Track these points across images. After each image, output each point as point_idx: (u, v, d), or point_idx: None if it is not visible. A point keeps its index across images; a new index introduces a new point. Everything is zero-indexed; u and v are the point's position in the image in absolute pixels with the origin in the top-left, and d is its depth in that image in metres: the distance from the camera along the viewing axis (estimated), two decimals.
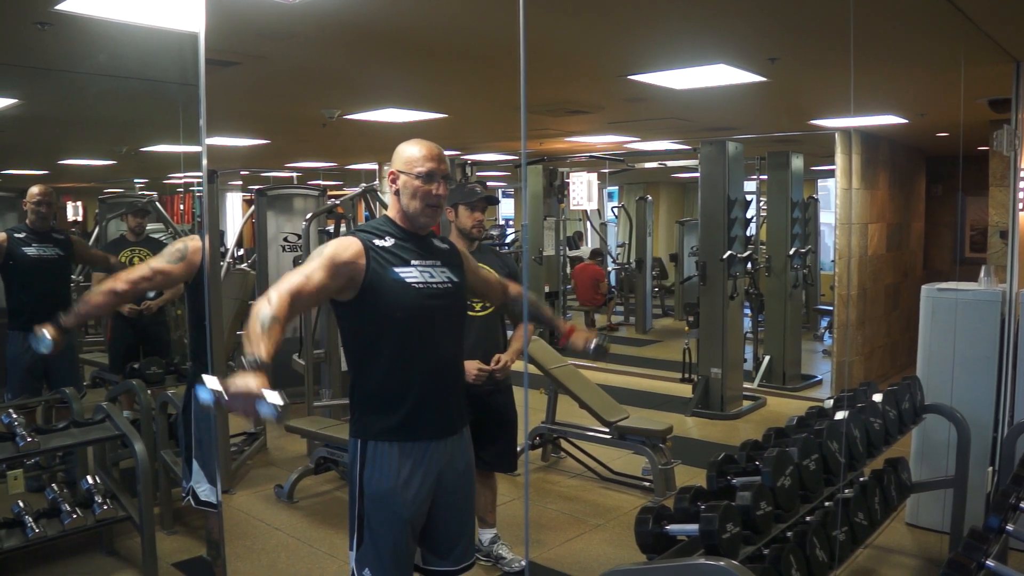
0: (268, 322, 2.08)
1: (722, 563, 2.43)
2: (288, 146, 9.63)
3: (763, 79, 5.00)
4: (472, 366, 3.67)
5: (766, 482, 2.84)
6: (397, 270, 2.41)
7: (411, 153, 2.48)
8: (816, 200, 11.16)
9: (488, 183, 13.92)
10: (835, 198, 8.00)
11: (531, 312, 3.00)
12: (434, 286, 2.46)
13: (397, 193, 2.50)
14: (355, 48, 4.34)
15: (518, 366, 5.71)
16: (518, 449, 4.20)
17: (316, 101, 6.10)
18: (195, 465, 3.76)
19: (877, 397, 3.84)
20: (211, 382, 1.96)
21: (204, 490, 3.74)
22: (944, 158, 10.15)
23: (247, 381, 1.89)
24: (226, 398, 1.89)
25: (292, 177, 12.74)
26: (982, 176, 7.10)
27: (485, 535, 4.24)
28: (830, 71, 4.81)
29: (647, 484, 5.38)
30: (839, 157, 7.74)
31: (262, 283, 7.56)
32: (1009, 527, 2.42)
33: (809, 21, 3.78)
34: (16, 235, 4.94)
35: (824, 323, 11.08)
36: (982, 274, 4.68)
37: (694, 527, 2.61)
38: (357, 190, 6.65)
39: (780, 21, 3.89)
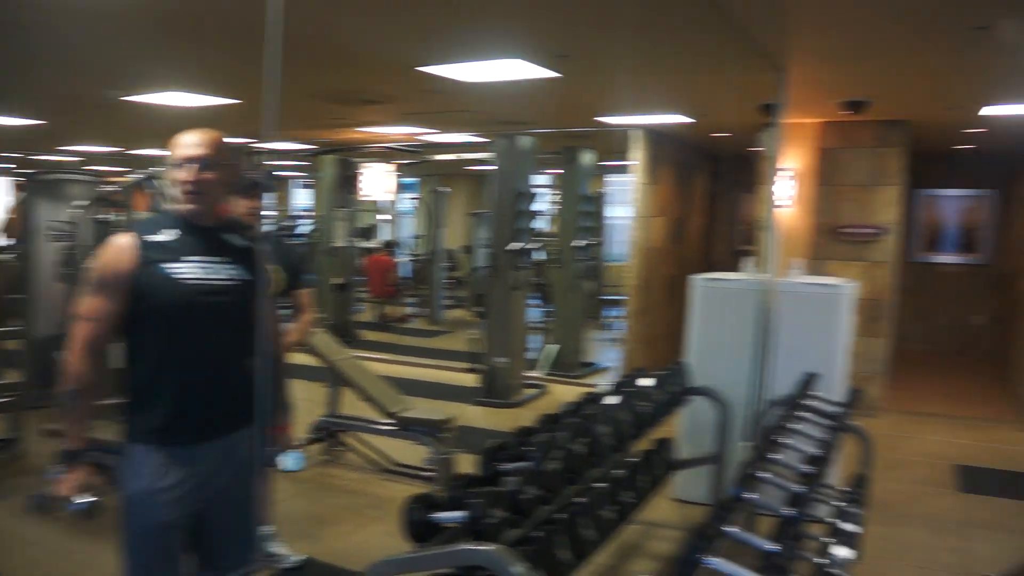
0: (77, 399, 2.25)
1: (486, 547, 2.45)
2: (64, 128, 8.97)
3: (555, 75, 5.10)
4: None
5: (534, 466, 2.88)
6: (166, 265, 2.30)
7: (175, 141, 2.38)
8: (604, 194, 11.56)
9: (277, 172, 13.55)
10: (633, 193, 8.29)
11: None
12: (211, 282, 2.35)
13: None
14: (131, 24, 4.06)
15: (302, 358, 5.61)
16: (298, 443, 4.09)
17: (93, 79, 5.69)
18: None
19: (646, 382, 4.00)
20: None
21: None
22: (724, 157, 10.76)
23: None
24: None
25: (69, 162, 11.88)
26: (755, 175, 7.59)
27: (261, 532, 4.09)
28: (618, 70, 4.97)
29: (429, 474, 5.38)
30: (634, 153, 8.03)
31: (29, 276, 6.99)
32: (751, 496, 2.55)
33: (596, 20, 3.88)
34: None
35: (611, 313, 11.49)
36: (745, 265, 4.99)
37: (461, 514, 2.61)
38: (138, 176, 6.24)
39: (569, 18, 3.97)
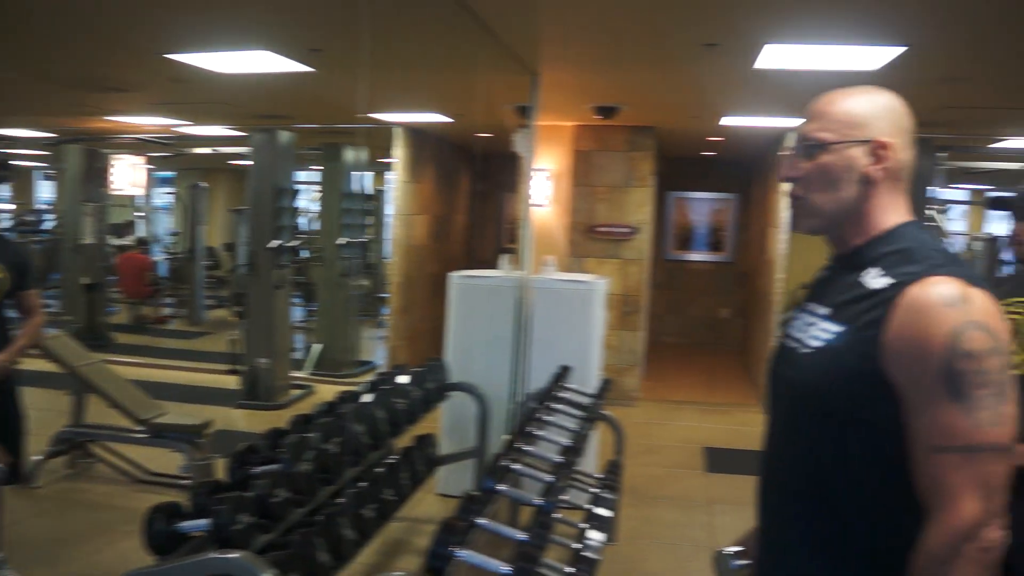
0: None
1: (232, 555, 2.36)
2: None
3: (309, 69, 4.99)
4: None
5: (284, 468, 2.81)
6: None
7: None
8: (383, 192, 11.53)
9: (12, 162, 12.48)
10: (394, 191, 8.27)
11: None
12: None
13: None
14: None
15: (40, 365, 5.20)
16: (36, 458, 3.76)
17: None
18: None
19: (403, 379, 4.00)
20: None
21: None
22: (487, 157, 10.97)
23: None
24: None
25: None
26: (517, 175, 7.79)
27: None
28: (372, 67, 4.94)
29: (186, 482, 5.13)
30: (395, 151, 8.02)
31: None
32: (503, 487, 2.61)
33: (345, 16, 3.83)
34: None
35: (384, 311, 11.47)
36: (502, 262, 5.12)
37: (206, 521, 2.51)
38: None
39: (319, 13, 3.90)
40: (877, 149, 1.47)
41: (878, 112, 1.48)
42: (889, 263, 1.42)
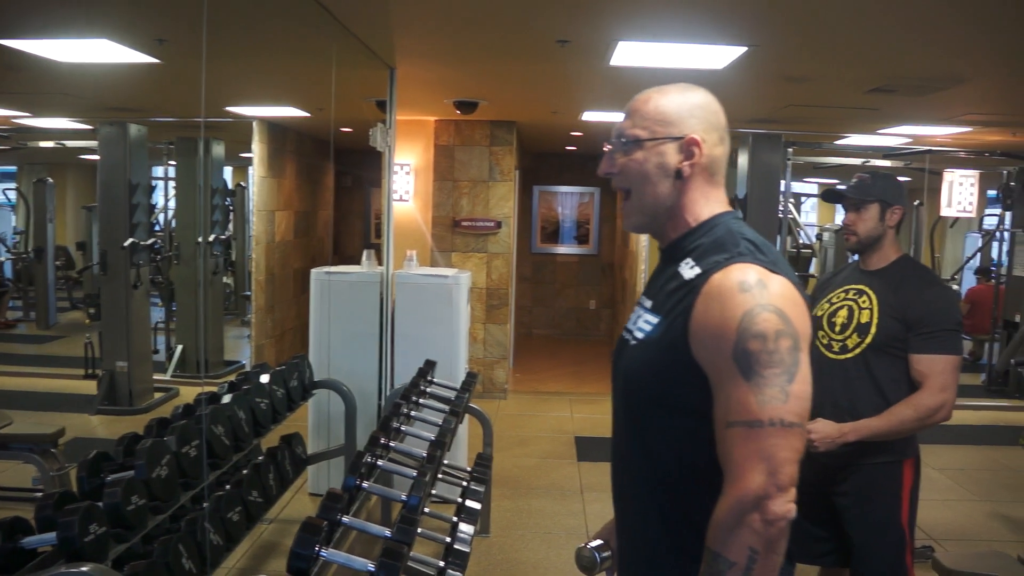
0: None
1: (84, 568, 2.28)
2: None
3: (156, 60, 4.82)
4: None
5: (139, 475, 2.73)
6: None
7: None
8: (245, 188, 11.21)
9: None
10: (253, 186, 8.08)
11: None
12: None
13: None
14: None
15: None
16: None
17: None
18: None
19: (264, 378, 3.94)
20: None
21: None
22: (351, 152, 10.85)
23: None
24: None
25: None
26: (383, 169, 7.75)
27: None
28: (221, 59, 4.81)
29: (39, 495, 4.89)
30: (255, 146, 7.83)
31: None
32: (365, 484, 2.61)
33: (188, 6, 3.71)
34: None
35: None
36: (364, 258, 5.09)
37: (53, 535, 2.41)
38: None
39: (163, 1, 3.77)
40: (689, 145, 1.53)
41: (690, 110, 1.55)
42: (700, 253, 1.50)
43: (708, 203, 1.57)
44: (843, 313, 2.83)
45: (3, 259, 12.38)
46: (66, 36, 4.37)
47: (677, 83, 1.58)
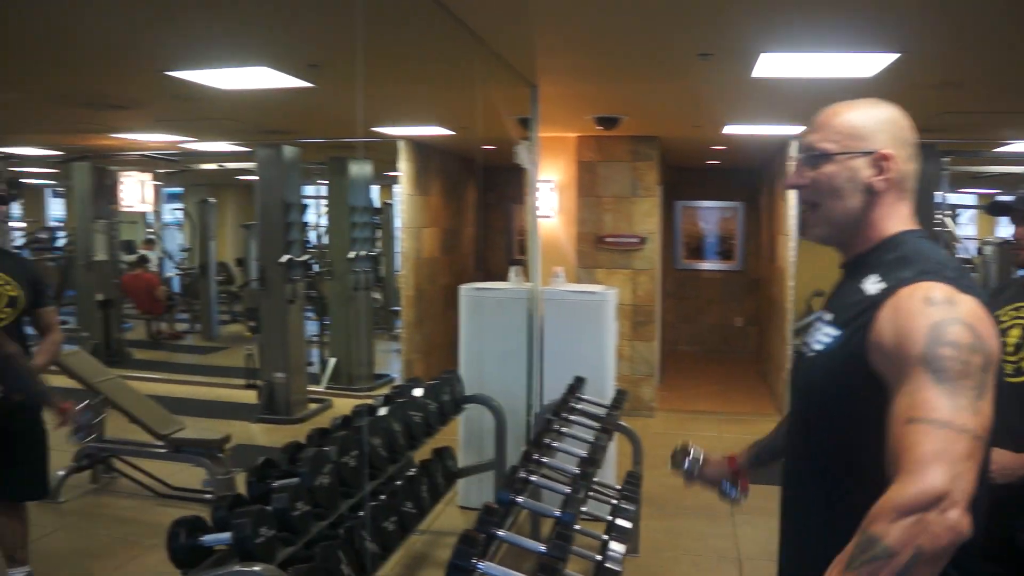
0: None
1: (256, 568, 2.40)
2: None
3: (309, 84, 5.04)
4: None
5: (304, 482, 2.85)
6: None
7: None
8: (391, 205, 11.57)
9: (22, 180, 12.55)
10: (401, 204, 8.31)
11: None
12: None
13: None
14: None
15: (60, 381, 5.26)
16: (60, 473, 3.81)
17: None
18: None
19: (418, 392, 4.04)
20: None
21: None
22: (493, 168, 11.02)
23: None
24: None
25: None
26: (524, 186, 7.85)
27: (16, 574, 3.80)
28: (371, 82, 4.98)
29: (208, 496, 5.17)
30: (402, 164, 8.07)
31: None
32: (520, 499, 2.64)
33: (340, 31, 3.88)
34: None
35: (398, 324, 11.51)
36: (511, 274, 5.15)
37: (228, 535, 2.55)
38: None
39: (315, 29, 3.95)
40: (880, 160, 1.52)
41: (880, 124, 1.54)
42: (885, 269, 1.47)
43: (895, 219, 1.55)
44: (1016, 332, 2.68)
45: (172, 274, 13.14)
46: (229, 66, 4.64)
47: (865, 98, 1.57)
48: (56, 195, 15.60)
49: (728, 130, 6.96)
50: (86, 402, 2.66)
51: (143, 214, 12.82)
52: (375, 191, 11.16)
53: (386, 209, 11.79)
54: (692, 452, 2.17)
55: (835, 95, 1.63)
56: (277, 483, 2.90)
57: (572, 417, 3.83)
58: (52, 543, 4.61)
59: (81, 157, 9.78)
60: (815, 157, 1.57)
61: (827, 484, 1.55)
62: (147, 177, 9.60)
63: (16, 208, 12.65)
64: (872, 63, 4.22)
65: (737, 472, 2.19)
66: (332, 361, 8.57)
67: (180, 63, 4.63)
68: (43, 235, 13.36)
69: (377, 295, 10.47)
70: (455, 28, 3.66)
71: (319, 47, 4.31)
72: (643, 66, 4.67)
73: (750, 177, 10.72)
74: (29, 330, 3.82)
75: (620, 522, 2.78)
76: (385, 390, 8.43)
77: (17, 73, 5.07)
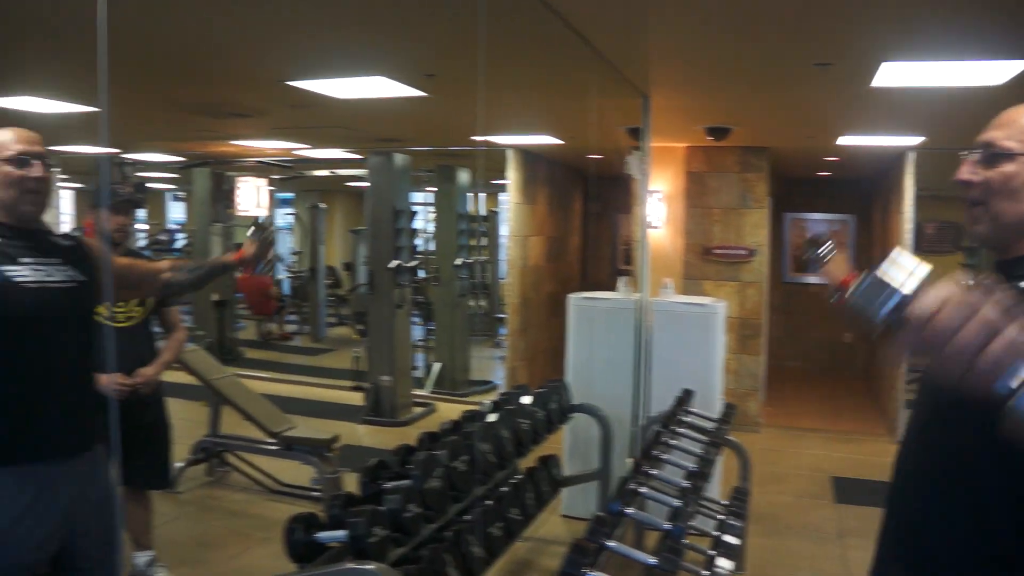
0: None
1: (370, 566, 2.45)
2: None
3: (423, 94, 5.14)
4: (112, 380, 3.44)
5: (415, 485, 2.90)
6: (3, 268, 2.16)
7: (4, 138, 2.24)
8: (496, 213, 11.68)
9: (149, 185, 13.12)
10: (508, 212, 8.38)
11: (193, 277, 2.79)
12: (52, 285, 2.23)
13: None
14: None
15: (181, 377, 5.47)
16: (179, 465, 3.99)
17: None
18: None
19: (526, 399, 4.06)
20: None
21: None
22: (600, 178, 11.00)
23: None
24: None
25: None
26: (631, 196, 7.82)
27: (141, 558, 3.98)
28: (483, 91, 5.04)
29: (316, 494, 5.31)
30: (510, 173, 8.14)
31: None
32: (630, 511, 2.63)
33: (457, 41, 3.94)
34: None
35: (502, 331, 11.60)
36: (620, 284, 5.13)
37: (343, 533, 2.61)
38: None
39: (432, 39, 4.03)
40: None
41: None
42: None
43: None
44: None
45: (282, 277, 13.52)
46: (347, 75, 4.76)
47: None
48: (176, 199, 16.21)
49: (842, 141, 6.79)
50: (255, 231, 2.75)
51: (257, 218, 13.24)
52: (481, 199, 11.27)
53: (492, 217, 11.90)
54: (826, 247, 2.00)
55: (960, 104, 1.57)
56: (390, 484, 2.96)
57: (680, 430, 3.80)
58: (172, 530, 4.80)
59: (202, 163, 10.18)
60: (994, 155, 1.48)
61: (982, 548, 1.36)
62: (262, 182, 9.91)
63: (141, 212, 13.21)
64: (1002, 70, 4.03)
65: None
66: (437, 366, 8.68)
67: (300, 73, 4.78)
68: (164, 237, 13.90)
69: (482, 302, 10.58)
70: (571, 38, 3.68)
71: (436, 57, 4.39)
72: (757, 76, 4.60)
73: (863, 189, 10.42)
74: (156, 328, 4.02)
75: (728, 538, 2.75)
76: (487, 396, 8.57)
77: (145, 84, 5.30)
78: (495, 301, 11.68)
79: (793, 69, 4.34)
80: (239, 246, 12.36)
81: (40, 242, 2.29)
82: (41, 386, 2.21)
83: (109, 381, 3.38)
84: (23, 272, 2.19)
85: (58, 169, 2.35)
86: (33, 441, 2.20)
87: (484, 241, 10.79)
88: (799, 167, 9.29)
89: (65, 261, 2.31)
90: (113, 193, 3.70)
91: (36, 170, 2.23)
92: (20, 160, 2.22)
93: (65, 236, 2.40)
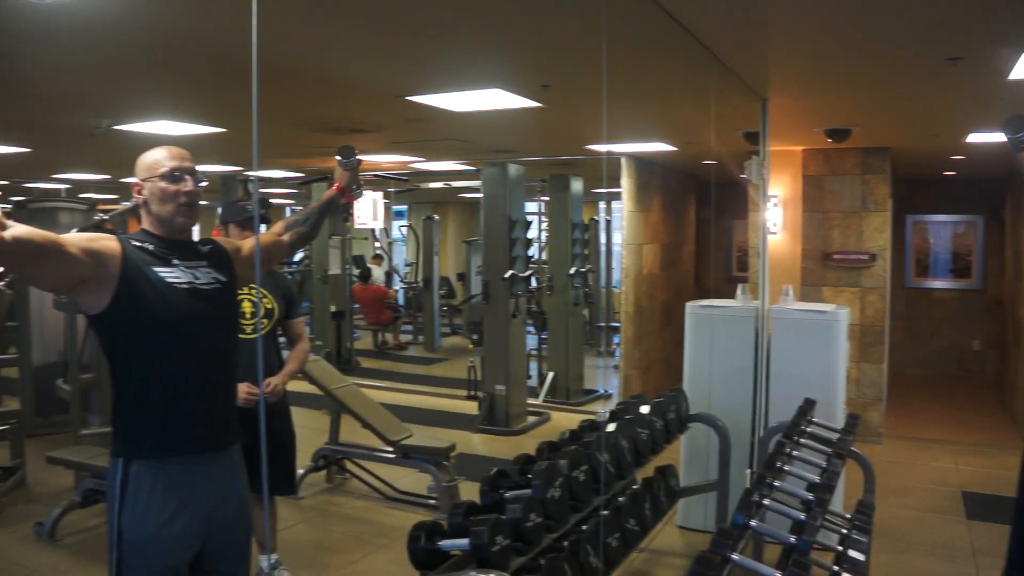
0: None
1: (492, 575, 2.48)
2: (54, 156, 8.98)
3: (538, 104, 5.17)
4: (242, 388, 3.57)
5: (536, 494, 2.92)
6: (158, 269, 2.27)
7: (152, 158, 2.37)
8: (597, 221, 11.65)
9: (272, 200, 13.59)
10: (622, 220, 8.34)
11: (308, 226, 2.87)
12: (200, 287, 2.34)
13: (146, 203, 2.36)
14: (118, 55, 4.12)
15: (302, 387, 5.65)
16: (300, 471, 4.10)
17: (81, 109, 5.74)
18: None
19: (644, 409, 4.03)
20: None
21: None
22: (713, 184, 10.84)
23: None
24: None
25: (60, 190, 11.93)
26: (746, 201, 7.69)
27: (265, 561, 4.12)
28: (599, 99, 5.04)
29: (433, 502, 5.39)
30: (624, 181, 8.11)
31: (22, 303, 7.06)
32: (754, 523, 2.58)
33: (575, 52, 3.96)
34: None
35: (610, 340, 11.55)
36: (739, 292, 5.05)
37: (465, 541, 2.64)
38: (129, 204, 6.32)
39: (550, 50, 4.05)
40: None
41: None
42: None
43: None
44: None
45: (397, 288, 13.79)
46: (464, 89, 4.83)
47: None
48: (293, 213, 16.74)
49: (971, 139, 6.51)
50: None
51: (373, 231, 13.55)
52: (586, 208, 11.26)
53: (593, 225, 11.89)
54: None
55: None
56: (510, 494, 2.99)
57: (802, 440, 3.71)
58: (294, 535, 4.95)
59: (321, 178, 10.48)
60: None
61: None
62: (378, 196, 10.14)
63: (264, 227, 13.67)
64: None
65: None
66: (550, 375, 8.70)
67: (418, 88, 4.87)
68: None
69: (584, 311, 10.56)
70: (689, 43, 3.65)
71: (553, 67, 4.41)
72: (881, 74, 4.45)
73: (992, 189, 9.97)
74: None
75: (853, 553, 2.66)
76: (598, 405, 8.54)
77: (269, 104, 5.51)
78: (597, 310, 11.66)
79: (922, 65, 4.17)
80: (357, 259, 12.72)
81: (188, 248, 2.41)
82: (192, 384, 2.31)
83: (239, 390, 3.52)
84: (175, 273, 2.30)
85: (206, 184, 2.44)
86: (183, 436, 2.30)
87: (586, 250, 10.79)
88: (923, 167, 8.97)
89: (209, 264, 2.42)
90: (240, 209, 3.83)
91: (188, 185, 2.35)
92: (174, 176, 2.33)
93: (203, 242, 2.51)
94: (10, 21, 3.39)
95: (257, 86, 1.70)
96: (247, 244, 2.69)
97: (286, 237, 2.79)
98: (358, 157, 3.00)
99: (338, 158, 2.94)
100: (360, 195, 3.06)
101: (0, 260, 1.97)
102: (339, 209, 3.02)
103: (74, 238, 2.16)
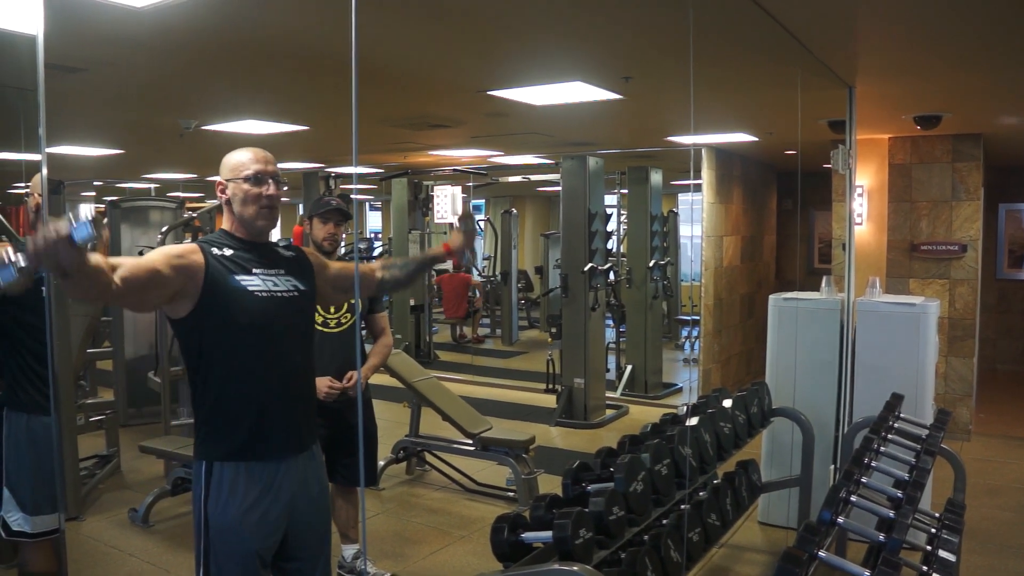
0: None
1: (575, 568, 2.49)
2: (144, 156, 9.29)
3: (619, 96, 5.15)
4: (323, 383, 3.65)
5: (619, 488, 2.91)
6: (238, 277, 2.32)
7: (237, 159, 2.41)
8: (676, 214, 11.54)
9: (352, 196, 13.75)
10: (702, 212, 8.26)
11: (404, 273, 2.87)
12: (278, 294, 2.38)
13: (228, 203, 2.42)
14: (208, 57, 4.25)
15: (383, 380, 5.74)
16: (381, 463, 4.16)
17: (172, 110, 5.93)
18: (5, 493, 3.33)
19: (727, 403, 3.99)
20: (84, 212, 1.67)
21: (16, 519, 3.30)
22: (793, 174, 10.63)
23: (48, 227, 1.61)
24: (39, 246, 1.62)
25: (150, 189, 12.30)
26: (828, 192, 7.53)
27: (348, 551, 4.20)
28: (681, 91, 4.99)
29: (512, 494, 5.42)
30: (704, 172, 8.03)
31: None
32: (841, 520, 2.54)
33: (658, 43, 3.93)
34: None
35: (685, 332, 11.45)
36: (823, 284, 4.95)
37: (548, 534, 2.65)
38: (215, 202, 6.48)
39: (632, 42, 4.02)
40: None
41: None
42: None
43: None
44: None
45: (477, 281, 13.85)
46: (544, 83, 4.83)
47: None
48: (372, 208, 16.95)
49: None
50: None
51: (451, 225, 13.63)
52: (665, 200, 11.14)
53: (672, 217, 11.78)
54: None
55: None
56: (594, 487, 2.99)
57: (890, 436, 3.63)
58: (375, 525, 5.04)
59: (401, 173, 10.61)
60: None
61: None
62: (457, 190, 10.21)
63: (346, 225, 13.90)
64: None
65: None
66: (629, 368, 8.67)
67: (499, 83, 4.90)
68: (362, 245, 14.56)
69: (663, 304, 10.48)
70: (775, 31, 3.59)
71: (636, 59, 4.38)
72: (976, 56, 4.28)
73: None
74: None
75: (943, 554, 2.59)
76: (673, 399, 8.49)
77: (345, 98, 5.58)
78: (674, 303, 11.56)
79: (1020, 46, 4.02)
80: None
81: (267, 253, 2.45)
82: (271, 390, 2.37)
83: (320, 384, 3.59)
84: (255, 281, 2.35)
85: (287, 187, 2.47)
86: (264, 442, 2.36)
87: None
88: (1017, 153, 8.65)
89: (288, 271, 2.46)
90: (324, 204, 3.91)
91: (270, 188, 2.39)
92: (257, 178, 2.38)
93: (287, 247, 2.56)
94: (112, 28, 3.52)
95: (356, 85, 1.73)
96: (335, 265, 2.72)
97: (379, 274, 2.79)
98: (475, 218, 2.94)
99: (456, 223, 2.93)
100: (471, 264, 3.03)
101: (112, 301, 2.05)
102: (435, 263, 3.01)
103: (163, 258, 2.20)
